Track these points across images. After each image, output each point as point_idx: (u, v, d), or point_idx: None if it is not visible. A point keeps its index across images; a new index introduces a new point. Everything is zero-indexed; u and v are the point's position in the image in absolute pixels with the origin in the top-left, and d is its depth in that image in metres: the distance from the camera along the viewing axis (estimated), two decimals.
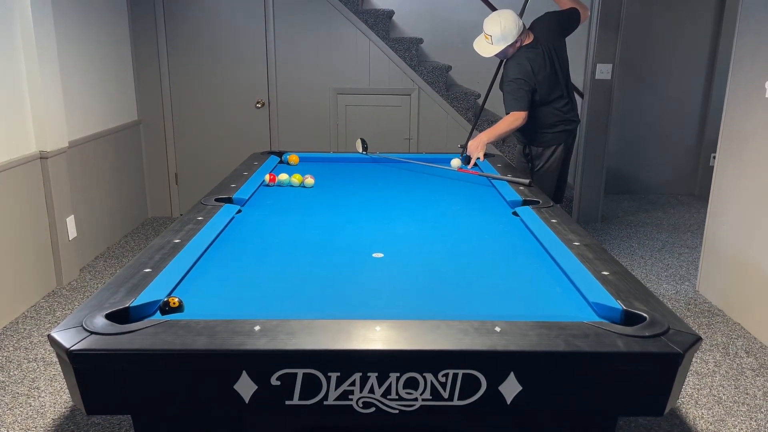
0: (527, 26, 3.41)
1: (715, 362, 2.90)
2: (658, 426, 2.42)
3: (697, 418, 2.48)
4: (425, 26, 5.13)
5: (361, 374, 1.33)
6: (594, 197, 5.05)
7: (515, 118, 3.30)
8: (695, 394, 2.65)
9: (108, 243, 4.34)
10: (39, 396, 2.56)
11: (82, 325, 1.39)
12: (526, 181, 2.90)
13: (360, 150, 3.59)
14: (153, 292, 1.59)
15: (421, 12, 5.15)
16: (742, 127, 3.32)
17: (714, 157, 3.76)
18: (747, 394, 2.65)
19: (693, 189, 6.00)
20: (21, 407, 2.48)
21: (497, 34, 3.28)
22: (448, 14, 5.15)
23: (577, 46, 5.05)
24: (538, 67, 3.33)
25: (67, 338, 1.34)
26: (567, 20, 3.48)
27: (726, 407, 2.56)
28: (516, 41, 3.32)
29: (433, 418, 1.38)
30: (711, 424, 2.44)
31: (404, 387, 1.34)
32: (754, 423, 2.45)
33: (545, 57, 3.38)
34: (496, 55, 3.40)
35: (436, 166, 3.29)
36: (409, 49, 4.74)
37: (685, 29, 5.61)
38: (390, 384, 1.33)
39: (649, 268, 4.08)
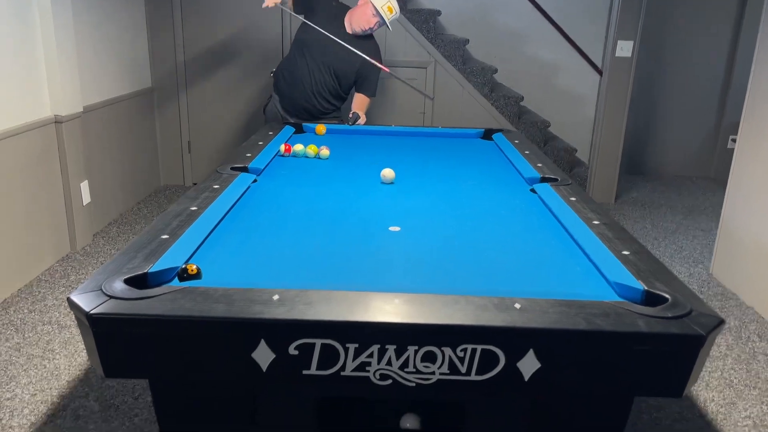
0: None
1: (727, 345, 2.89)
2: (669, 407, 2.42)
3: (708, 401, 2.48)
4: None
5: (379, 346, 1.32)
6: (609, 177, 5.01)
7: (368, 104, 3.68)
8: (706, 376, 2.64)
9: (121, 209, 4.35)
10: (54, 358, 2.59)
11: (101, 289, 1.39)
12: (431, 96, 3.16)
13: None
14: (171, 259, 1.59)
15: None
16: (765, 110, 3.26)
17: (733, 140, 3.71)
18: (759, 378, 2.65)
19: (709, 172, 5.92)
20: (36, 369, 2.51)
21: (398, 9, 3.50)
22: None
23: (598, 21, 4.96)
24: None
25: (86, 302, 1.34)
26: None
27: (737, 391, 2.55)
28: None
29: (450, 392, 1.38)
30: (722, 407, 2.44)
31: (422, 360, 1.33)
32: (765, 407, 2.45)
33: None
34: (366, 31, 3.59)
35: (453, 140, 3.26)
36: (426, 21, 4.66)
37: (708, 7, 5.49)
38: (408, 357, 1.33)
39: (662, 249, 4.05)
